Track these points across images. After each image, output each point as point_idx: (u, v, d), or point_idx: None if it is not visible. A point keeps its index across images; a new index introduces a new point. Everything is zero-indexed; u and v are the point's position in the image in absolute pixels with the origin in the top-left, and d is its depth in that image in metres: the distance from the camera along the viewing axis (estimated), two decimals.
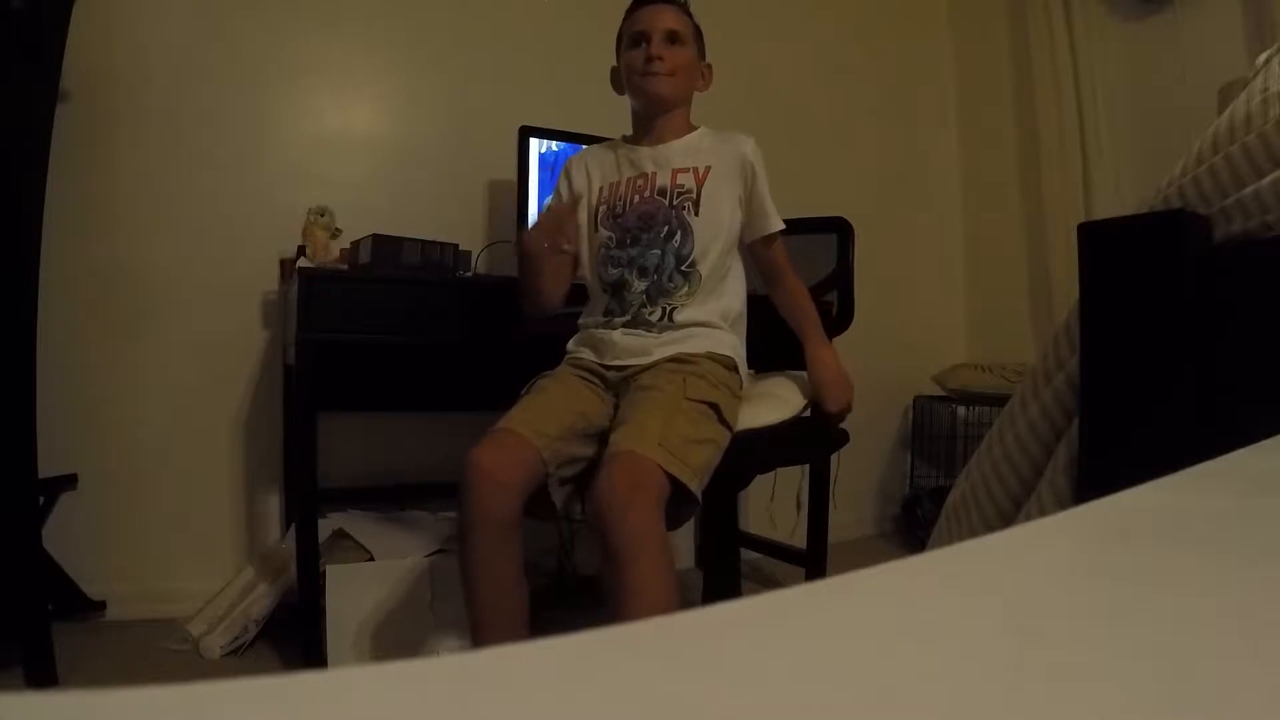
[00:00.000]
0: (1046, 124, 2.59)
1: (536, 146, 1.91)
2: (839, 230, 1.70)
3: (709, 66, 1.45)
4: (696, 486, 1.11)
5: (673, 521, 1.11)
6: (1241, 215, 0.92)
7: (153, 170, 1.81)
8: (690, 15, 1.41)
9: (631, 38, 1.38)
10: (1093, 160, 2.49)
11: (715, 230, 1.38)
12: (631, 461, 1.07)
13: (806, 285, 1.52)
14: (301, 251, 1.71)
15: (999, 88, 2.85)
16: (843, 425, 1.54)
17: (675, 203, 1.37)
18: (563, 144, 1.93)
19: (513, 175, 1.91)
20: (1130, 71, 2.47)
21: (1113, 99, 2.50)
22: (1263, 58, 1.07)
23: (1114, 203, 2.41)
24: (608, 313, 1.38)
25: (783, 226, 1.43)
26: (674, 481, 1.08)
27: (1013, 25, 2.79)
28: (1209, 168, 0.97)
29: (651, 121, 1.41)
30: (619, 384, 1.32)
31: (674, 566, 1.06)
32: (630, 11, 1.42)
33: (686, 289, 1.36)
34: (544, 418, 1.19)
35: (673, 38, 1.36)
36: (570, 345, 1.42)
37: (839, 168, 2.72)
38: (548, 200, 1.47)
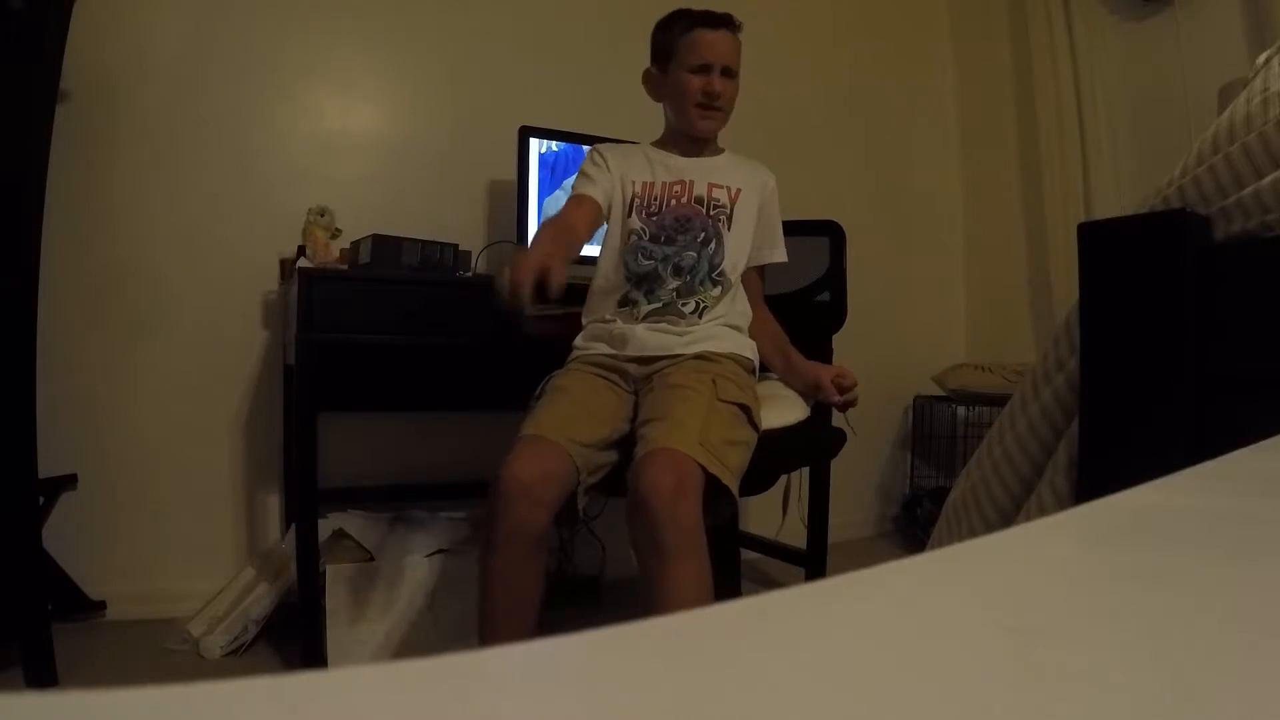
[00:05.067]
0: (1046, 124, 2.59)
1: (536, 146, 1.91)
2: (831, 234, 1.72)
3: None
4: (736, 487, 1.12)
5: (710, 523, 1.11)
6: (1241, 215, 0.92)
7: (152, 170, 1.81)
8: (739, 39, 1.41)
9: (691, 63, 1.36)
10: (1093, 160, 2.49)
11: (741, 247, 1.42)
12: (674, 458, 1.07)
13: (801, 286, 1.55)
14: (301, 251, 1.71)
15: (999, 88, 2.85)
16: (842, 426, 1.54)
17: (712, 213, 1.41)
18: (563, 144, 1.93)
19: (513, 175, 1.91)
20: (1130, 71, 2.47)
21: (1113, 99, 2.50)
22: (1263, 58, 1.07)
23: (1114, 203, 2.41)
24: (627, 301, 1.37)
25: (785, 259, 1.50)
26: (713, 481, 1.09)
27: (1013, 25, 2.79)
28: (1209, 168, 0.97)
29: (687, 140, 1.44)
30: (640, 379, 1.32)
31: (709, 565, 1.07)
32: (692, 27, 1.37)
33: (719, 291, 1.39)
34: (575, 424, 1.18)
35: (729, 72, 1.38)
36: (579, 341, 1.41)
37: (839, 168, 2.72)
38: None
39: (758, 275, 1.52)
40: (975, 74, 2.97)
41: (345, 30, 2.00)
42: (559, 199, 1.85)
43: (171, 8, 1.83)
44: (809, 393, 1.41)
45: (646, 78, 1.46)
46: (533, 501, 1.09)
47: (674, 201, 1.41)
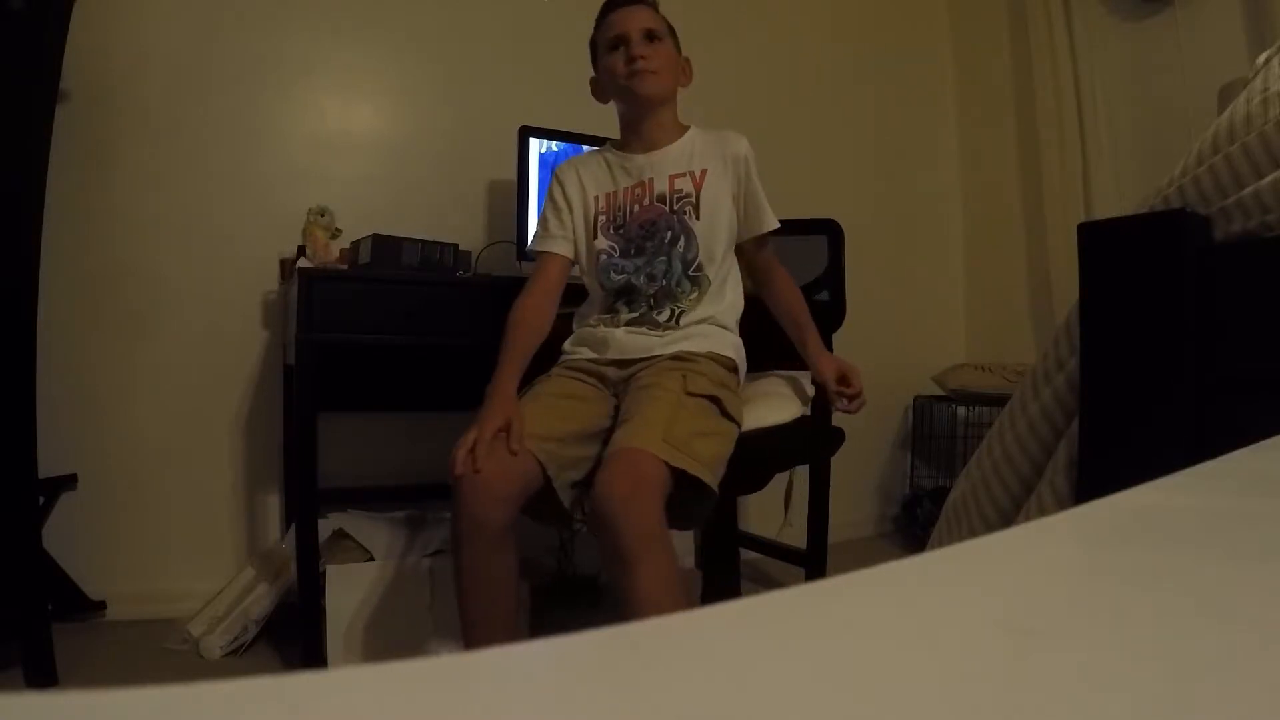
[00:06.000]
0: (1046, 124, 2.59)
1: (536, 146, 1.91)
2: (830, 232, 1.71)
3: (688, 61, 1.44)
4: (710, 478, 1.10)
5: (690, 518, 1.10)
6: (1241, 215, 0.92)
7: (152, 170, 1.81)
8: (659, 12, 1.40)
9: (609, 43, 1.36)
10: (1093, 160, 2.49)
11: (716, 232, 1.37)
12: (632, 459, 1.06)
13: (800, 285, 1.52)
14: (301, 251, 1.71)
15: (999, 87, 2.85)
16: (841, 426, 1.54)
17: (676, 208, 1.37)
18: (563, 144, 1.93)
19: (513, 175, 1.91)
20: (1130, 72, 2.47)
21: (1113, 99, 2.50)
22: (1263, 58, 1.07)
23: (1114, 203, 2.41)
24: (610, 310, 1.38)
25: (778, 225, 1.43)
26: (683, 476, 1.07)
27: (1013, 25, 2.79)
28: (1209, 168, 0.97)
29: (641, 124, 1.40)
30: (619, 382, 1.31)
31: (676, 564, 1.05)
32: (602, 17, 1.40)
33: (696, 294, 1.36)
34: (541, 421, 1.18)
35: (651, 35, 1.35)
36: (566, 346, 1.41)
37: (839, 167, 2.72)
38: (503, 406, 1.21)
39: (757, 247, 1.45)
40: (975, 74, 2.97)
41: (345, 30, 2.00)
42: None
43: (171, 8, 1.83)
44: (818, 381, 1.39)
45: (591, 85, 1.45)
46: (488, 496, 1.09)
47: (636, 207, 1.38)
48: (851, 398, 1.34)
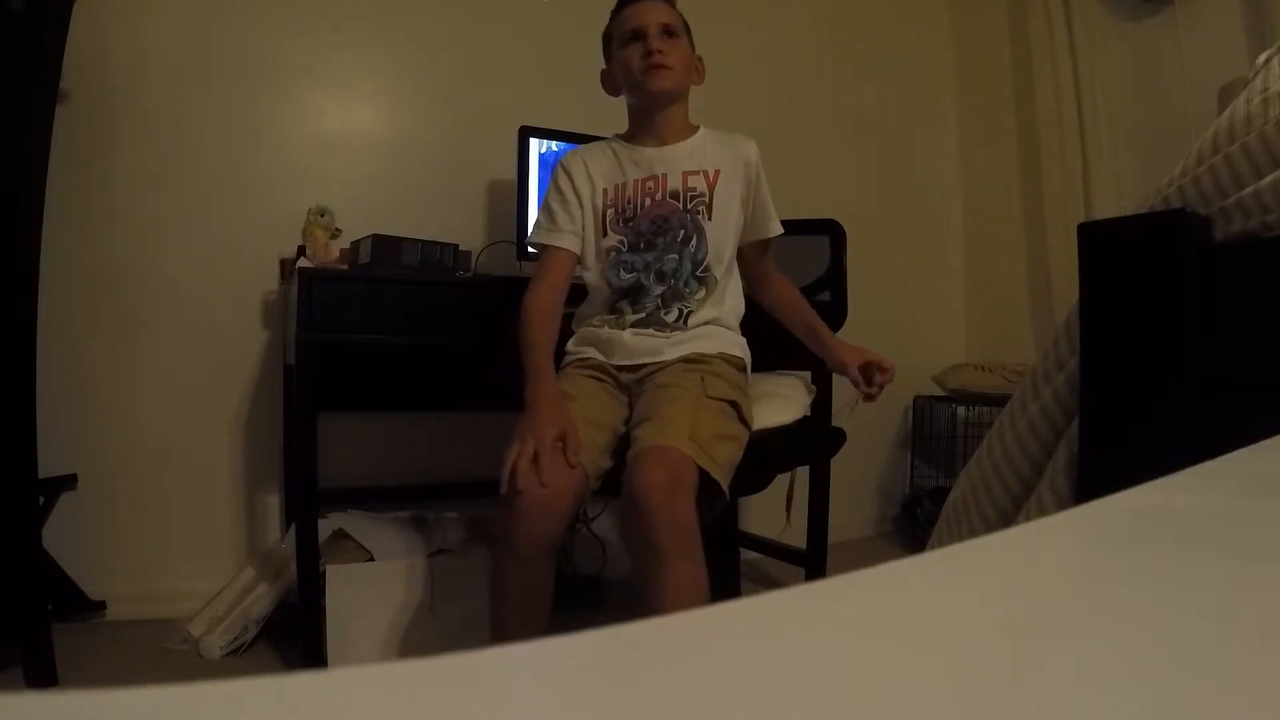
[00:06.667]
0: (1046, 124, 2.59)
1: (536, 146, 1.91)
2: (831, 232, 1.71)
3: (701, 59, 1.44)
4: (726, 483, 1.11)
5: (701, 519, 1.10)
6: (1241, 215, 0.92)
7: (152, 170, 1.81)
8: (676, 8, 1.40)
9: (625, 36, 1.35)
10: (1093, 160, 2.49)
11: (726, 234, 1.37)
12: (666, 455, 1.06)
13: (800, 286, 1.52)
14: (301, 251, 1.71)
15: (999, 88, 2.85)
16: (841, 425, 1.54)
17: (689, 206, 1.36)
18: (563, 144, 1.93)
19: (513, 175, 1.91)
20: (1130, 71, 2.47)
21: (1113, 99, 2.50)
22: (1263, 58, 1.07)
23: (1114, 203, 2.41)
24: (615, 310, 1.37)
25: (782, 231, 1.43)
26: (703, 477, 1.08)
27: (1013, 25, 2.79)
28: (1209, 168, 0.97)
29: (653, 120, 1.39)
30: (631, 384, 1.31)
31: (704, 563, 1.06)
32: (618, 10, 1.39)
33: (703, 293, 1.35)
34: (583, 431, 1.17)
35: (668, 31, 1.34)
36: (571, 345, 1.40)
37: (839, 167, 2.72)
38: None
39: (760, 252, 1.45)
40: (975, 74, 2.97)
41: (345, 30, 2.00)
42: None
43: (171, 8, 1.83)
44: (838, 371, 1.39)
45: (602, 78, 1.44)
46: (549, 514, 1.09)
47: (649, 201, 1.36)
48: (882, 384, 1.33)
